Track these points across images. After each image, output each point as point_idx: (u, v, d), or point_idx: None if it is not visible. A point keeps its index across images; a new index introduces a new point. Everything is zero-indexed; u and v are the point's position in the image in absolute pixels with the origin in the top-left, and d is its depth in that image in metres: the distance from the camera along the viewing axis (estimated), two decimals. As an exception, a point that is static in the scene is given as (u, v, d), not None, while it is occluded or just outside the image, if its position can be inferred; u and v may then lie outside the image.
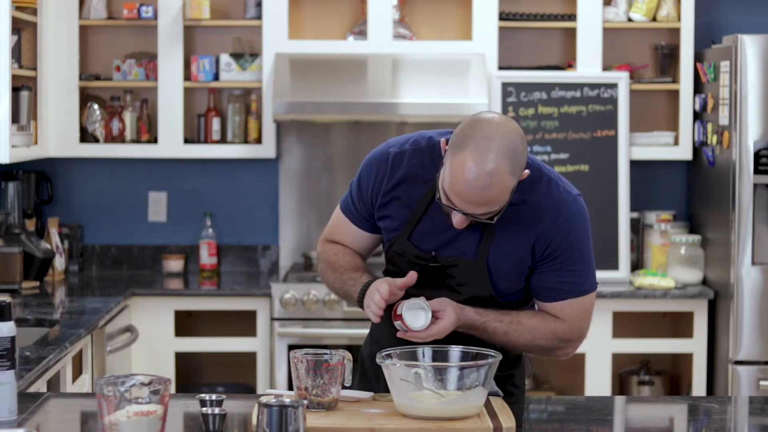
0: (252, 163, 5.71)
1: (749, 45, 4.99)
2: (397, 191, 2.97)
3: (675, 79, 5.54)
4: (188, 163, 5.71)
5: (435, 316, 2.87)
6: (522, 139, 2.77)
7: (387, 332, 3.01)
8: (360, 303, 2.97)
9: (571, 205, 2.91)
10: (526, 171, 2.81)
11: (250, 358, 5.29)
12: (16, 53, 4.95)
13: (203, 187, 5.74)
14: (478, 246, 2.91)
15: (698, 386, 5.24)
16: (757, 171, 5.01)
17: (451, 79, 5.36)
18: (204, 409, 2.60)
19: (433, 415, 2.64)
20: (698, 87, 5.49)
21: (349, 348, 4.41)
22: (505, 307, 2.97)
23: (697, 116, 5.50)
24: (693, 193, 5.67)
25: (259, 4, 5.50)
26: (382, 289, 2.88)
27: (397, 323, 2.90)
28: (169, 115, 5.46)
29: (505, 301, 2.98)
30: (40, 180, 5.60)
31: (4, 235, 4.96)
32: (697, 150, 5.52)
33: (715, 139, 5.25)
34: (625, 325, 5.35)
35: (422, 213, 2.95)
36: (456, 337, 2.92)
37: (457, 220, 2.81)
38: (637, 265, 5.60)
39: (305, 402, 2.43)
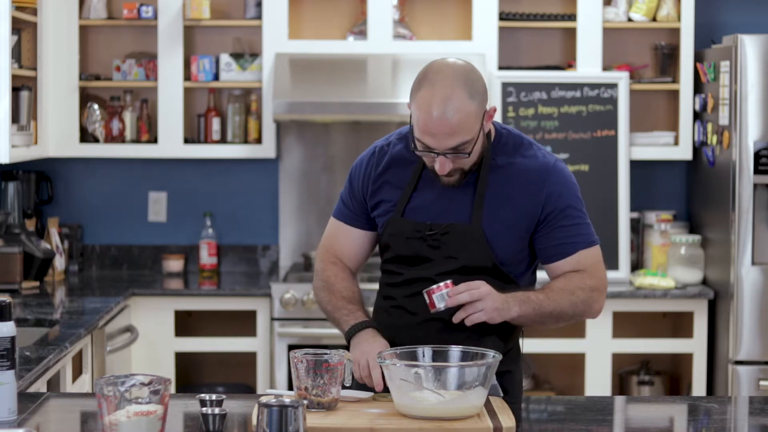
0: (252, 163, 5.71)
1: (749, 45, 4.99)
2: (386, 176, 3.07)
3: (675, 79, 5.54)
4: (188, 163, 5.71)
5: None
6: (475, 69, 2.91)
7: (386, 331, 3.03)
8: (347, 341, 3.03)
9: (557, 165, 3.02)
10: (495, 106, 2.95)
11: (250, 358, 5.29)
12: (16, 53, 4.95)
13: (203, 187, 5.74)
14: (471, 211, 2.97)
15: (698, 386, 5.24)
16: (757, 171, 5.01)
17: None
18: (204, 409, 2.60)
19: (433, 415, 2.64)
20: (698, 87, 5.49)
21: (349, 348, 4.40)
22: (509, 279, 3.00)
23: (697, 116, 5.50)
24: (693, 193, 5.67)
25: (259, 4, 5.50)
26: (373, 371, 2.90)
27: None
28: (169, 115, 5.46)
29: (507, 272, 3.00)
30: (40, 180, 5.60)
31: (4, 235, 4.96)
32: (697, 150, 5.52)
33: (715, 139, 5.25)
34: (625, 325, 5.35)
35: (412, 190, 3.03)
36: (458, 336, 2.94)
37: (439, 164, 2.90)
38: (637, 265, 5.60)
39: (305, 402, 2.43)
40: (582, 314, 3.03)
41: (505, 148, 3.01)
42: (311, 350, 2.76)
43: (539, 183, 2.98)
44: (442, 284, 2.89)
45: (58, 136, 5.41)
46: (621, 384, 5.54)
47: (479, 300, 2.87)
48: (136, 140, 5.55)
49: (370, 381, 2.91)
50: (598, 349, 5.23)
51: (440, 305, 2.88)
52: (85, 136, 5.51)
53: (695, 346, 5.25)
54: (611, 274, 5.35)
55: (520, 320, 2.96)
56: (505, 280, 3.00)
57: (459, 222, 2.98)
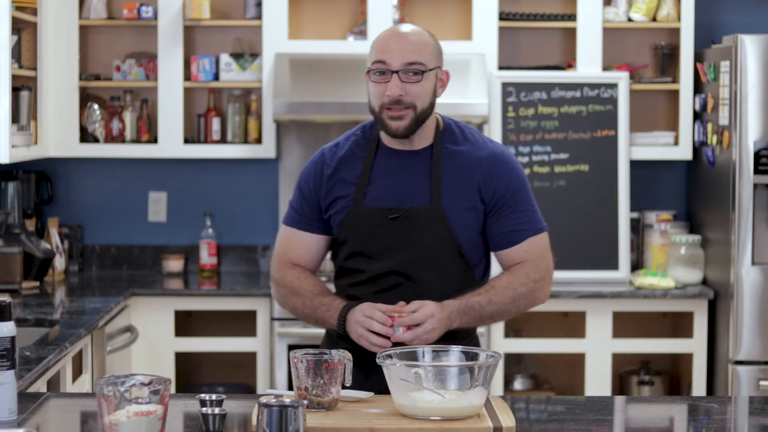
0: (252, 163, 5.71)
1: (749, 45, 4.99)
2: (339, 174, 3.12)
3: (675, 79, 5.54)
4: (188, 163, 5.71)
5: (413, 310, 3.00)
6: None
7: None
8: (342, 328, 3.05)
9: (505, 153, 3.15)
10: (448, 70, 3.13)
11: (250, 358, 5.29)
12: (16, 53, 4.95)
13: (203, 187, 5.74)
14: (430, 194, 3.05)
15: (698, 386, 5.24)
16: (757, 171, 5.01)
17: (451, 79, 5.34)
18: (204, 409, 2.60)
19: (433, 415, 2.64)
20: (698, 87, 5.49)
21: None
22: (468, 267, 3.10)
23: (697, 116, 5.50)
24: (693, 193, 5.67)
25: (259, 4, 5.50)
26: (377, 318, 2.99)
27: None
28: (169, 115, 5.46)
29: (468, 258, 3.09)
30: (40, 180, 5.60)
31: (4, 235, 4.96)
32: (697, 150, 5.52)
33: (715, 139, 5.26)
34: (625, 325, 5.35)
35: (367, 182, 3.09)
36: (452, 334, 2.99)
37: (391, 86, 3.03)
38: (637, 265, 5.60)
39: (305, 402, 2.43)
40: (525, 308, 3.15)
41: (454, 137, 3.13)
42: (311, 350, 2.76)
43: (489, 170, 3.09)
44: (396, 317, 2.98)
45: (58, 136, 5.41)
46: (621, 384, 5.54)
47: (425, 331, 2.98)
48: (136, 140, 5.55)
49: (382, 340, 2.96)
50: (598, 349, 5.23)
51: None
52: (85, 136, 5.51)
53: (695, 346, 5.25)
54: (611, 274, 5.36)
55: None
56: (465, 266, 3.09)
57: (419, 205, 3.06)
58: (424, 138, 3.12)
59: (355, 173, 3.11)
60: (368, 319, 2.98)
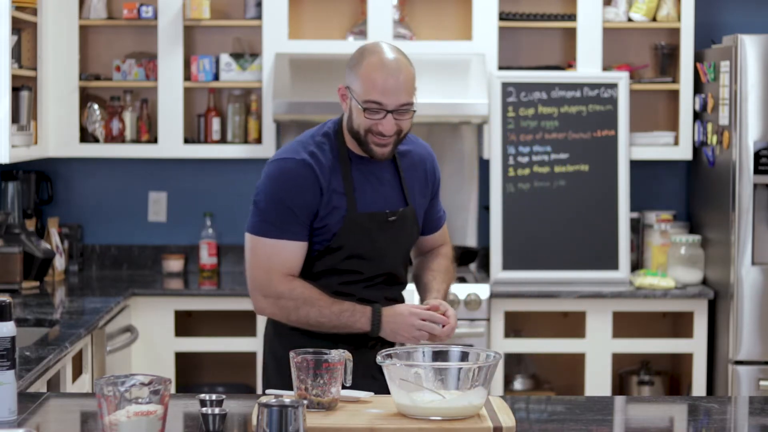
0: (252, 163, 5.71)
1: (749, 45, 4.99)
2: (332, 184, 3.20)
3: (675, 79, 5.54)
4: (188, 163, 5.71)
5: (444, 314, 3.19)
6: None
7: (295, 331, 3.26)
8: (377, 329, 3.18)
9: (429, 147, 3.43)
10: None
11: (250, 358, 5.29)
12: (16, 53, 4.95)
13: (203, 187, 5.74)
14: (404, 196, 3.27)
15: (698, 386, 5.24)
16: (757, 171, 5.01)
17: (451, 79, 5.36)
18: (204, 409, 2.60)
19: (433, 415, 2.64)
20: (698, 87, 5.49)
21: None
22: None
23: (697, 116, 5.50)
24: (693, 193, 5.67)
25: (259, 4, 5.50)
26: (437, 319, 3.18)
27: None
28: (169, 115, 5.46)
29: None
30: (40, 180, 5.60)
31: (4, 235, 4.96)
32: (697, 150, 5.52)
33: (715, 139, 5.26)
34: (625, 325, 5.35)
35: (353, 189, 3.20)
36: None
37: (387, 124, 3.11)
38: (637, 265, 5.60)
39: (305, 402, 2.43)
40: None
41: None
42: (311, 350, 2.77)
43: (431, 166, 3.38)
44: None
45: (58, 136, 5.41)
46: (621, 384, 5.54)
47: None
48: (136, 140, 5.55)
49: (442, 322, 3.15)
50: (598, 349, 5.23)
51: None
52: (85, 136, 5.51)
53: (695, 346, 5.25)
54: (611, 274, 5.36)
55: None
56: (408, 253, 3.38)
57: (401, 208, 3.26)
58: None
59: (340, 182, 3.19)
60: (428, 323, 3.14)
